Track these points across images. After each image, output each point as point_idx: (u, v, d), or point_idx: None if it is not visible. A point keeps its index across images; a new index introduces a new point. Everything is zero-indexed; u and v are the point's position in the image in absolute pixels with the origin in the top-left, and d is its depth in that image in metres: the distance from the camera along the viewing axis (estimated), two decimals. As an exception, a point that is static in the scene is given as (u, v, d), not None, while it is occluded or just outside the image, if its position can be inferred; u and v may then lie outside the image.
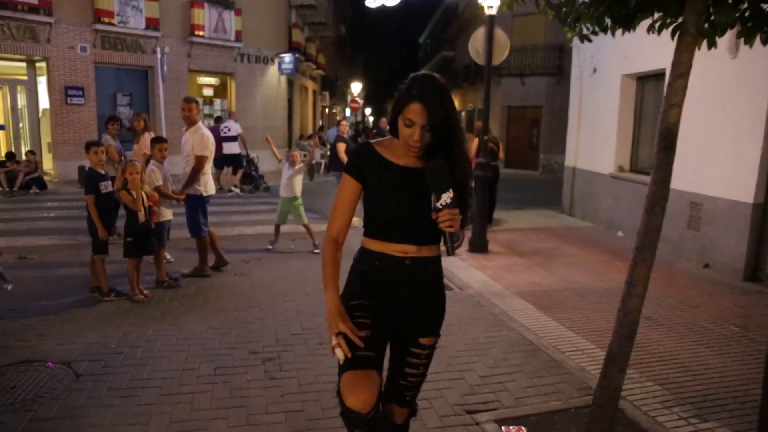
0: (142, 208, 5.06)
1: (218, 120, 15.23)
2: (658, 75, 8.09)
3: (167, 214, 5.74)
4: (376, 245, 2.03)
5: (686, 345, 4.33)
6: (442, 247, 1.93)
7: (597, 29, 2.95)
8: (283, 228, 7.36)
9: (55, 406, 3.20)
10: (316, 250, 7.05)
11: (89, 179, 5.01)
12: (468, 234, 7.78)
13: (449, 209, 1.80)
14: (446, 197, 1.80)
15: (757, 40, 2.55)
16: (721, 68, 6.45)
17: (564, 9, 2.90)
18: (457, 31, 28.50)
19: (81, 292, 5.27)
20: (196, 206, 5.83)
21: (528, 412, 3.26)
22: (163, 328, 4.44)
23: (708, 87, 6.64)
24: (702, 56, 2.78)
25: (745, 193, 6.28)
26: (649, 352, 4.14)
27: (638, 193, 8.43)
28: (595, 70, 9.91)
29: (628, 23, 2.69)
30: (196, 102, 6.10)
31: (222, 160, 12.73)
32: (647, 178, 7.75)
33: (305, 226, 7.20)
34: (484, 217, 7.39)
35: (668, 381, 3.67)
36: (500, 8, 3.18)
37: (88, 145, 5.13)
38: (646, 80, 8.75)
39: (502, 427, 3.09)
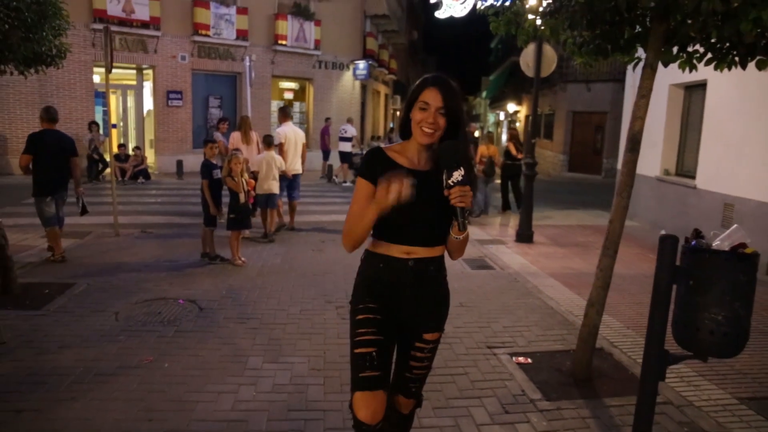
0: (242, 191, 6.38)
1: (327, 120, 17.54)
2: (702, 85, 8.68)
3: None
4: (381, 247, 2.11)
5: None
6: (451, 231, 2.03)
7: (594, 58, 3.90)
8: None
9: (189, 325, 4.50)
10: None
11: (205, 167, 6.39)
12: (515, 225, 8.71)
13: (460, 186, 1.88)
14: (458, 174, 1.90)
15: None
16: (756, 80, 7.06)
17: (568, 42, 3.86)
18: (527, 37, 28.90)
19: (192, 257, 6.66)
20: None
21: (535, 349, 4.25)
22: (258, 283, 5.72)
23: (743, 97, 7.28)
24: (738, 70, 3.37)
25: (771, 194, 6.88)
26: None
27: (682, 195, 9.05)
28: (654, 76, 10.50)
29: (606, 55, 3.63)
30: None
31: (340, 157, 15.60)
32: (692, 182, 8.45)
33: None
34: (529, 211, 8.28)
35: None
36: (519, 44, 4.08)
37: (205, 142, 6.54)
38: (693, 89, 9.32)
39: (513, 358, 4.10)
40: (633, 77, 11.11)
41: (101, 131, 14.36)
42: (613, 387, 3.69)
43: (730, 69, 3.49)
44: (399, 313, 2.13)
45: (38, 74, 5.53)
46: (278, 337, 4.30)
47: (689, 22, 2.99)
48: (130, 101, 16.85)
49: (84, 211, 6.69)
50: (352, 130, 15.89)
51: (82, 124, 14.27)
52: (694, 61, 3.45)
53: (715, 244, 2.54)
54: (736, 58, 3.37)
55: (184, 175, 15.06)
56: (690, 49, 3.52)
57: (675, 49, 3.53)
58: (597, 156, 21.67)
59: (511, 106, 34.39)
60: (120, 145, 14.47)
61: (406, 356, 2.20)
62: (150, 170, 15.24)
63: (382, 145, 2.21)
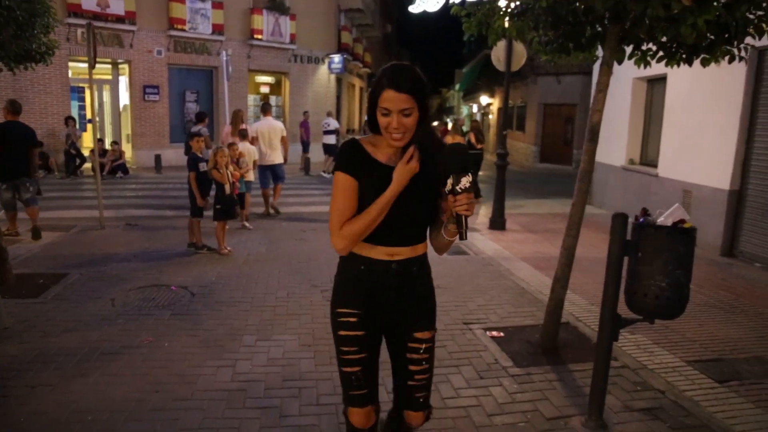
0: (228, 182, 6.62)
1: (305, 113, 17.64)
2: (663, 79, 9.17)
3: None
4: (362, 249, 2.00)
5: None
6: (444, 233, 1.93)
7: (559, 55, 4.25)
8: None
9: (184, 309, 4.76)
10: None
11: (192, 161, 6.61)
12: (487, 213, 9.11)
13: (467, 193, 1.77)
14: (465, 181, 1.77)
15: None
16: (709, 75, 7.54)
17: (534, 41, 4.20)
18: (499, 31, 29.39)
19: (179, 247, 6.88)
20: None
21: (507, 325, 4.63)
22: (246, 270, 6.00)
23: (698, 91, 7.77)
24: (696, 66, 3.72)
25: (724, 181, 7.39)
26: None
27: (645, 183, 9.55)
28: (611, 72, 10.99)
29: (569, 53, 4.00)
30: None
31: (324, 149, 16.05)
32: (654, 170, 8.92)
33: None
34: (502, 199, 8.68)
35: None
36: (489, 43, 4.42)
37: (192, 135, 6.76)
38: (655, 83, 9.82)
39: (487, 332, 4.46)
40: (597, 71, 11.57)
41: (77, 126, 14.34)
42: (578, 355, 4.08)
43: (679, 65, 3.89)
44: (383, 316, 2.06)
45: (26, 70, 5.70)
46: (269, 318, 4.59)
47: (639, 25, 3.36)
48: (106, 96, 16.80)
49: (39, 192, 7.38)
50: (334, 123, 16.41)
51: (58, 118, 14.24)
52: (648, 58, 3.82)
53: (659, 220, 2.93)
54: (684, 56, 3.77)
55: (163, 170, 15.13)
56: (644, 47, 3.90)
57: (630, 48, 3.91)
58: (567, 147, 22.27)
59: (484, 99, 34.87)
60: (98, 140, 14.43)
61: (403, 360, 2.11)
62: (128, 165, 15.27)
63: (358, 137, 2.10)
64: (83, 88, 16.34)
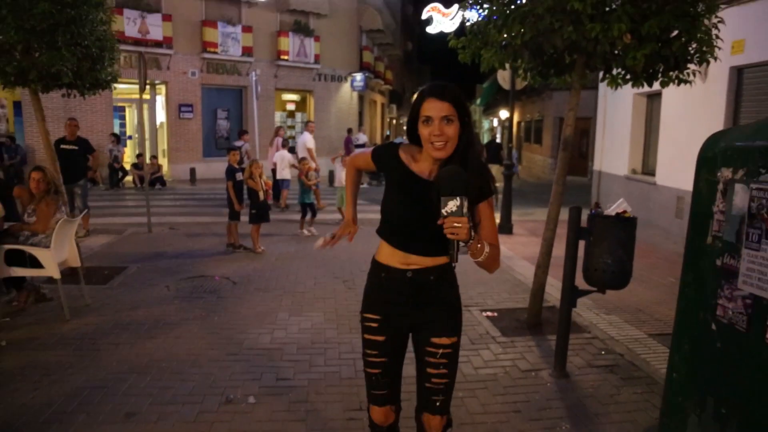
0: (261, 190, 7.55)
1: (349, 131, 18.97)
2: (659, 94, 9.90)
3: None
4: (384, 256, 2.14)
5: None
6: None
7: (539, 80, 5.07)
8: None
9: (227, 293, 5.67)
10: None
11: (229, 171, 7.57)
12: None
13: (454, 217, 1.79)
14: (452, 205, 1.78)
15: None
16: (696, 91, 8.26)
17: (517, 68, 5.03)
18: (517, 47, 30.21)
19: (218, 248, 7.82)
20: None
21: (500, 307, 5.42)
22: (278, 265, 6.90)
23: (688, 105, 8.50)
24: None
25: (710, 187, 8.06)
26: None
27: (645, 191, 10.25)
28: (579, 95, 11.76)
29: (547, 78, 4.82)
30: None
31: None
32: (653, 179, 9.64)
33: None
34: (509, 205, 9.46)
35: (591, 294, 5.70)
36: (482, 70, 5.26)
37: (229, 150, 7.73)
38: (653, 98, 10.54)
39: (483, 312, 5.26)
40: (603, 87, 12.33)
41: (119, 142, 15.58)
42: (555, 329, 4.83)
43: (642, 86, 4.68)
44: (403, 320, 2.16)
45: (94, 96, 6.72)
46: (299, 301, 5.47)
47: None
48: (144, 114, 18.04)
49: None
50: (363, 138, 18.30)
51: (103, 136, 15.47)
52: (620, 81, 4.61)
53: (607, 212, 3.73)
54: (645, 79, 4.57)
55: (197, 182, 16.24)
56: (614, 72, 4.69)
57: (601, 74, 4.71)
58: (583, 159, 22.88)
59: (504, 113, 35.62)
60: (138, 155, 15.67)
61: (422, 363, 2.18)
62: (164, 177, 16.42)
63: (400, 141, 2.28)
64: (124, 107, 17.65)
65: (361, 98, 23.87)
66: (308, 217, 8.95)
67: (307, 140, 11.97)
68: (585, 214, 3.88)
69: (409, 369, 2.27)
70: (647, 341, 4.56)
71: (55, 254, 4.80)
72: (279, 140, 12.61)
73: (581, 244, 3.82)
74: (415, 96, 2.02)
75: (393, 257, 2.10)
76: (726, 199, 2.45)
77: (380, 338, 2.17)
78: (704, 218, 2.60)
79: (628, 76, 4.61)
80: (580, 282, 3.85)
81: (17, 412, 3.24)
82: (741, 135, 2.46)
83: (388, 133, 32.58)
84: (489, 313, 5.24)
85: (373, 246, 2.22)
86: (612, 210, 3.73)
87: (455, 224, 1.80)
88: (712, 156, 2.56)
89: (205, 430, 3.10)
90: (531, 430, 3.17)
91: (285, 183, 11.48)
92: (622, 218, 3.68)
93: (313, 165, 9.91)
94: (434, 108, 1.92)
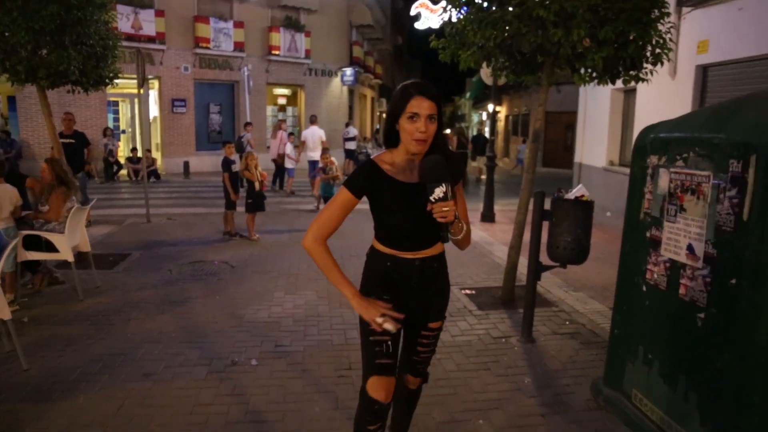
0: (257, 180, 7.98)
1: (347, 125, 19.39)
2: (634, 90, 10.41)
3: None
4: (387, 249, 2.23)
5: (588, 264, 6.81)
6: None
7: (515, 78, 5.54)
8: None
9: (226, 276, 6.12)
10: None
11: (225, 163, 8.00)
12: (476, 207, 10.39)
13: (442, 202, 1.93)
14: (439, 191, 1.92)
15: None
16: (667, 88, 8.81)
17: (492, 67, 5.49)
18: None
19: (215, 236, 8.25)
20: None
21: (479, 286, 5.91)
22: (273, 251, 7.35)
23: (660, 100, 9.01)
24: (657, 79, 4.87)
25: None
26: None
27: (622, 182, 10.74)
28: (548, 92, 12.27)
29: (520, 76, 5.29)
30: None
31: (345, 154, 18.06)
32: (629, 170, 10.10)
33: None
34: (491, 195, 9.95)
35: (560, 273, 6.20)
36: (460, 68, 5.71)
37: (224, 143, 8.15)
38: (629, 93, 11.06)
39: (462, 290, 5.74)
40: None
41: (113, 136, 15.91)
42: (528, 305, 5.34)
43: (607, 84, 5.16)
44: (407, 305, 2.25)
45: (97, 91, 7.12)
46: (293, 282, 5.93)
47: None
48: (137, 109, 18.38)
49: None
50: (354, 131, 18.45)
51: (97, 130, 15.78)
52: (587, 78, 5.08)
53: (567, 196, 4.21)
54: (609, 78, 5.05)
55: (191, 175, 16.61)
56: (582, 71, 5.16)
57: (572, 72, 5.19)
58: (568, 152, 23.43)
59: (492, 107, 36.13)
60: (132, 149, 16.01)
61: (414, 343, 2.38)
62: (158, 171, 16.77)
63: (371, 149, 2.56)
64: (117, 102, 17.94)
65: (351, 92, 24.27)
66: None
67: (321, 133, 12.85)
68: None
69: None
70: (608, 313, 5.04)
71: (69, 239, 5.23)
72: (283, 134, 13.31)
73: (546, 225, 4.29)
74: (399, 92, 2.07)
75: (398, 253, 2.22)
76: (653, 182, 2.93)
77: (389, 298, 2.23)
78: (638, 198, 3.08)
79: (594, 74, 5.09)
80: (545, 259, 4.32)
81: (48, 373, 3.69)
82: (665, 127, 2.94)
83: (377, 127, 32.99)
84: (468, 291, 5.73)
85: (362, 230, 2.67)
86: (572, 194, 4.21)
87: (443, 208, 1.93)
88: (643, 146, 3.03)
89: (215, 386, 3.56)
90: (497, 383, 3.67)
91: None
92: (580, 201, 4.16)
93: (334, 160, 10.15)
94: (422, 106, 2.01)
